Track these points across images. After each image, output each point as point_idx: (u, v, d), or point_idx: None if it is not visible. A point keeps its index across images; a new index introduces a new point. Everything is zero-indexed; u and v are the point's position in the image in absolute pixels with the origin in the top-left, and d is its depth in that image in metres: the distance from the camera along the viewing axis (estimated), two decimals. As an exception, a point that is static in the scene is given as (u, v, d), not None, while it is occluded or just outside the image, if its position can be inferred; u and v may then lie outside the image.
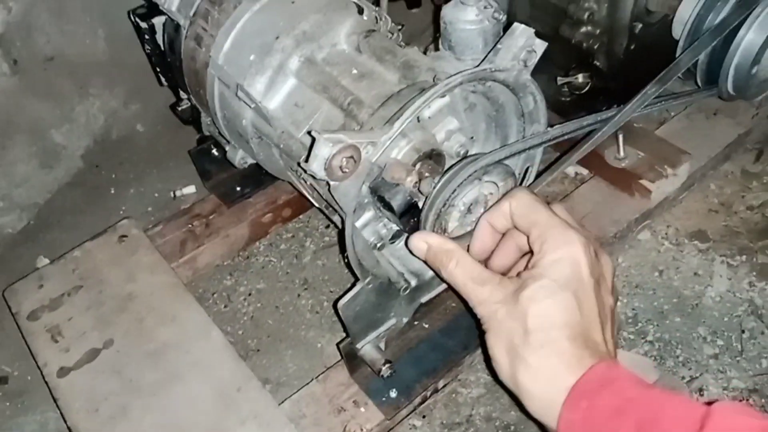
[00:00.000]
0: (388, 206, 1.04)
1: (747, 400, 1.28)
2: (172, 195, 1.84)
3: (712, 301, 1.45)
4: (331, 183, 0.90)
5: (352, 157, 0.88)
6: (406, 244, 0.98)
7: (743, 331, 1.39)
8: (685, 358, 1.36)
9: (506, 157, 1.02)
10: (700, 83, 1.45)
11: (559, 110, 1.58)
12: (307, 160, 0.87)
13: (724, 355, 1.36)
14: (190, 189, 1.84)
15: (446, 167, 1.05)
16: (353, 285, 1.11)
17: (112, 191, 1.89)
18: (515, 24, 0.99)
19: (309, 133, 0.89)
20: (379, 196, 1.05)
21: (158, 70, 1.46)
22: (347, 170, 0.89)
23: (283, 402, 1.24)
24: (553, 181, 1.47)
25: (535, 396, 0.78)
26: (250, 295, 1.60)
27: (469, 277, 0.86)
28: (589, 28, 1.49)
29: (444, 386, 1.29)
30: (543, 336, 0.77)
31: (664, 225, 1.60)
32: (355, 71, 1.11)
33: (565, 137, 1.11)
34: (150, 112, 1.97)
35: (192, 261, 1.54)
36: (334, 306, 1.22)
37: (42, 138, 1.82)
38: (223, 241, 1.57)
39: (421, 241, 0.92)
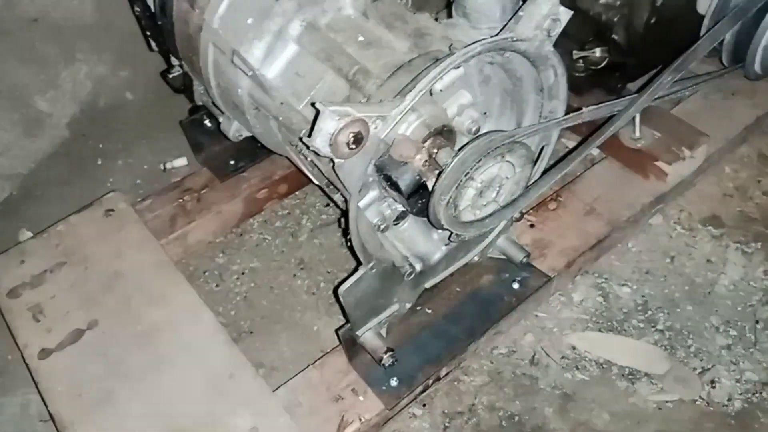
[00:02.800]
0: (395, 186, 0.97)
1: (760, 393, 1.24)
2: (162, 167, 1.75)
3: (726, 289, 1.40)
4: (336, 160, 0.82)
5: (359, 132, 0.81)
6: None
7: (757, 322, 1.34)
8: (697, 348, 1.31)
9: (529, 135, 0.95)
10: (725, 62, 1.37)
11: (573, 86, 1.50)
12: (310, 135, 0.80)
13: (737, 345, 1.31)
14: (182, 161, 1.75)
15: (458, 145, 0.98)
16: (355, 269, 1.04)
17: (100, 162, 1.80)
18: (538, -10, 0.91)
19: (313, 105, 0.81)
20: (386, 175, 0.97)
21: (148, 34, 1.37)
22: (354, 146, 0.81)
23: (277, 389, 1.18)
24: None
25: None
26: (243, 274, 1.52)
27: None
28: (609, -1, 1.40)
29: (446, 374, 1.23)
30: None
31: (677, 209, 1.53)
32: (361, 38, 1.02)
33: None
34: (140, 80, 1.88)
35: (182, 238, 1.47)
36: (335, 291, 1.15)
37: (25, 105, 1.72)
38: (216, 218, 1.50)
39: None
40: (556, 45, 0.99)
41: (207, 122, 1.51)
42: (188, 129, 1.54)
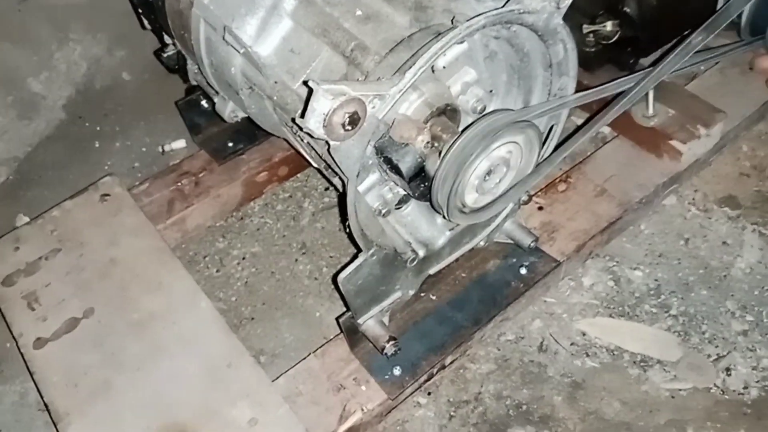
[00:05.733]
0: (395, 169, 0.92)
1: (778, 381, 1.19)
2: (160, 149, 1.71)
3: (742, 272, 1.35)
4: (331, 143, 0.78)
5: (356, 112, 0.76)
6: None
7: (775, 306, 1.29)
8: (712, 334, 1.26)
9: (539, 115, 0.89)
10: (743, 35, 1.30)
11: (583, 62, 1.44)
12: (303, 116, 0.75)
13: (754, 331, 1.26)
14: (180, 143, 1.71)
15: (463, 125, 0.93)
16: (355, 255, 1.00)
17: (97, 145, 1.76)
18: (546, -41, 0.85)
19: (305, 83, 0.76)
20: (386, 157, 0.92)
21: (140, 11, 1.32)
22: (350, 128, 0.76)
23: (277, 378, 1.15)
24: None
25: None
26: (244, 259, 1.49)
27: None
28: (620, -31, 1.33)
29: (451, 362, 1.20)
30: None
31: (692, 189, 1.48)
32: (359, 12, 0.97)
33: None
34: (137, 59, 1.83)
35: (180, 222, 1.43)
36: (334, 279, 1.11)
37: (19, 87, 1.68)
38: (214, 201, 1.46)
39: None
40: (565, 19, 0.93)
41: (204, 103, 1.46)
42: (184, 110, 1.49)
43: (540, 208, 1.33)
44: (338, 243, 1.49)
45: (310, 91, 0.73)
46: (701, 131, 1.36)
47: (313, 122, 0.74)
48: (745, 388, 1.19)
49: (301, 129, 0.75)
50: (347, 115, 0.75)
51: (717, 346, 1.25)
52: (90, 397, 1.11)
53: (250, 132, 1.46)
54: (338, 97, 0.74)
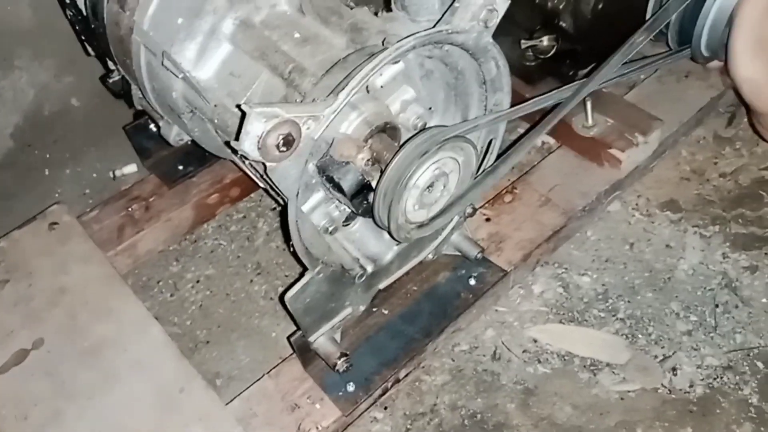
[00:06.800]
0: (337, 187, 0.94)
1: (721, 378, 1.23)
2: (111, 175, 1.70)
3: (685, 274, 1.39)
4: (268, 164, 0.79)
5: (290, 134, 0.77)
6: None
7: (717, 306, 1.33)
8: (658, 335, 1.30)
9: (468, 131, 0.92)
10: (672, 45, 1.36)
11: (524, 75, 1.49)
12: (237, 138, 0.76)
13: (698, 331, 1.30)
14: (131, 168, 1.70)
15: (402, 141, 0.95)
16: (301, 274, 1.00)
17: (47, 172, 1.73)
18: (474, -20, 0.88)
19: (238, 106, 0.77)
20: (328, 176, 0.94)
21: (83, 38, 1.31)
22: (285, 149, 0.78)
23: (231, 401, 1.14)
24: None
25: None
26: (198, 282, 1.48)
27: None
28: (555, -14, 1.38)
29: (406, 375, 1.21)
30: None
31: (635, 195, 1.52)
32: (297, 35, 0.99)
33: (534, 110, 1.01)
34: (85, 85, 1.80)
35: (131, 248, 1.42)
36: (281, 298, 1.12)
37: (-37, 116, 1.65)
38: (165, 225, 1.45)
39: None
40: (505, 34, 0.96)
41: (152, 126, 1.46)
42: (132, 135, 1.49)
43: (487, 220, 1.36)
44: (293, 262, 1.49)
45: (244, 115, 0.75)
46: (639, 139, 1.41)
47: (248, 145, 0.75)
48: (691, 386, 1.22)
49: (235, 152, 0.76)
50: (281, 137, 0.77)
51: (663, 347, 1.28)
52: (40, 428, 1.09)
53: (200, 154, 1.46)
54: (271, 119, 0.75)
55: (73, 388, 1.14)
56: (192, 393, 1.11)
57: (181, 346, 1.25)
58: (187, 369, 1.14)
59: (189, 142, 1.31)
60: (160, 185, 1.48)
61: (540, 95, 1.02)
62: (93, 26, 1.21)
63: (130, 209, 1.44)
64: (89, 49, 1.32)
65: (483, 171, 1.08)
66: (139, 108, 1.35)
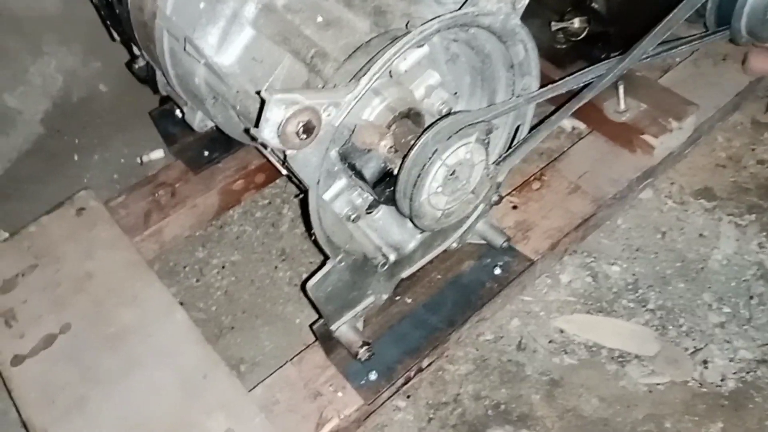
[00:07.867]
0: (359, 175, 0.92)
1: (755, 372, 1.19)
2: (139, 160, 1.70)
3: (719, 264, 1.35)
4: (288, 152, 0.77)
5: (310, 121, 0.76)
6: None
7: (751, 297, 1.29)
8: (689, 327, 1.27)
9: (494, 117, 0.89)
10: (709, 26, 1.30)
11: (554, 59, 1.44)
12: (257, 125, 0.75)
13: (731, 323, 1.26)
14: (158, 153, 1.70)
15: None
16: (323, 262, 0.99)
17: (75, 158, 1.75)
18: (501, -40, 0.85)
19: (258, 93, 0.76)
20: (350, 163, 0.93)
21: (108, 23, 1.31)
22: (305, 136, 0.76)
23: (254, 387, 1.14)
24: (548, 136, 1.34)
25: None
26: (223, 267, 1.49)
27: None
28: (587, -35, 1.34)
29: (429, 365, 1.20)
30: None
31: (668, 182, 1.48)
32: (320, 19, 0.97)
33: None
34: (112, 70, 1.81)
35: (157, 234, 1.43)
36: (302, 287, 1.11)
37: (-6, 103, 1.68)
38: (191, 212, 1.45)
39: None
40: (535, 16, 0.93)
41: (178, 112, 1.46)
42: (158, 120, 1.49)
43: (514, 207, 1.33)
44: (318, 249, 1.48)
45: (263, 102, 0.73)
46: (673, 124, 1.36)
47: (267, 132, 0.74)
48: (723, 380, 1.19)
49: (254, 139, 0.74)
50: (301, 124, 0.75)
51: (694, 339, 1.25)
52: (66, 413, 1.11)
53: (225, 140, 1.45)
54: (291, 106, 0.74)
55: (98, 374, 1.15)
56: (215, 379, 1.11)
57: (206, 332, 1.26)
58: (211, 355, 1.14)
59: (214, 128, 1.31)
60: (185, 171, 1.48)
61: (569, 75, 0.98)
62: (117, 11, 1.21)
63: (156, 195, 1.44)
64: (114, 34, 1.32)
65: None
66: (165, 94, 1.34)
